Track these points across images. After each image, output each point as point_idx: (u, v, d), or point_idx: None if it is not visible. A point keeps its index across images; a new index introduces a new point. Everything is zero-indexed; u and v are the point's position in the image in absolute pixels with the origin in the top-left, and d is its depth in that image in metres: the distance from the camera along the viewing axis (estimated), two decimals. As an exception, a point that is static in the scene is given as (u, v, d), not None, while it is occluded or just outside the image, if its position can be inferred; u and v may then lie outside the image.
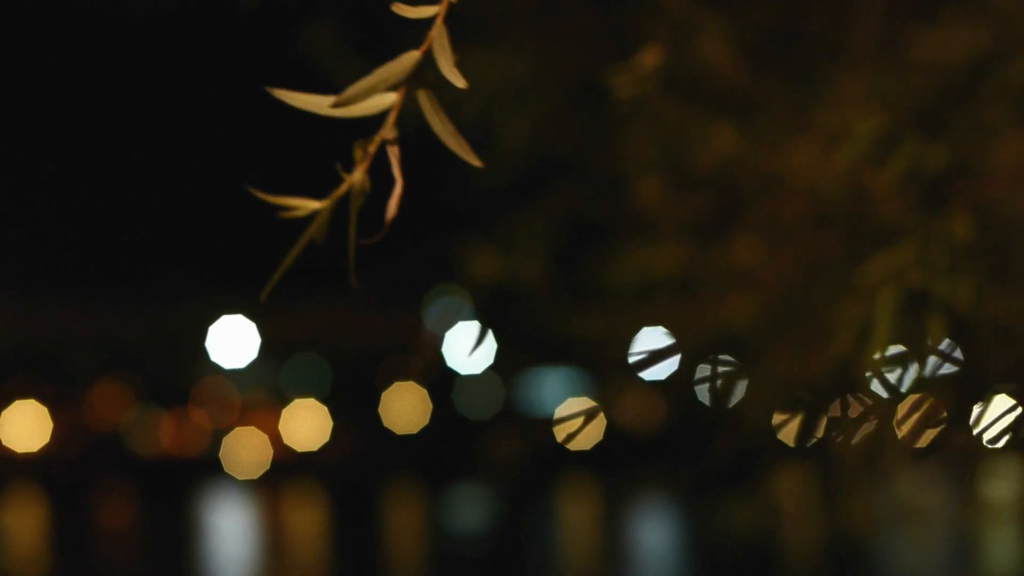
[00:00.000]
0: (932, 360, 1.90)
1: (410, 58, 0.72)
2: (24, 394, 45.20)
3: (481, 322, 1.96)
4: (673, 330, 2.26)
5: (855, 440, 2.07)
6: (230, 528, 31.48)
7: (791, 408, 2.22)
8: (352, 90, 0.72)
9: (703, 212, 2.00)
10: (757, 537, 2.15)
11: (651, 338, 2.16)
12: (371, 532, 30.24)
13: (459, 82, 0.73)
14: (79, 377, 45.63)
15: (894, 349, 1.78)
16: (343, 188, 0.72)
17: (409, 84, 0.74)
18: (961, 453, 2.18)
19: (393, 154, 0.74)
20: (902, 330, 1.66)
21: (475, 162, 0.76)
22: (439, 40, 0.71)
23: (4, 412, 43.58)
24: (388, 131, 0.74)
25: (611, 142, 2.41)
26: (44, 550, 23.58)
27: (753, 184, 1.78)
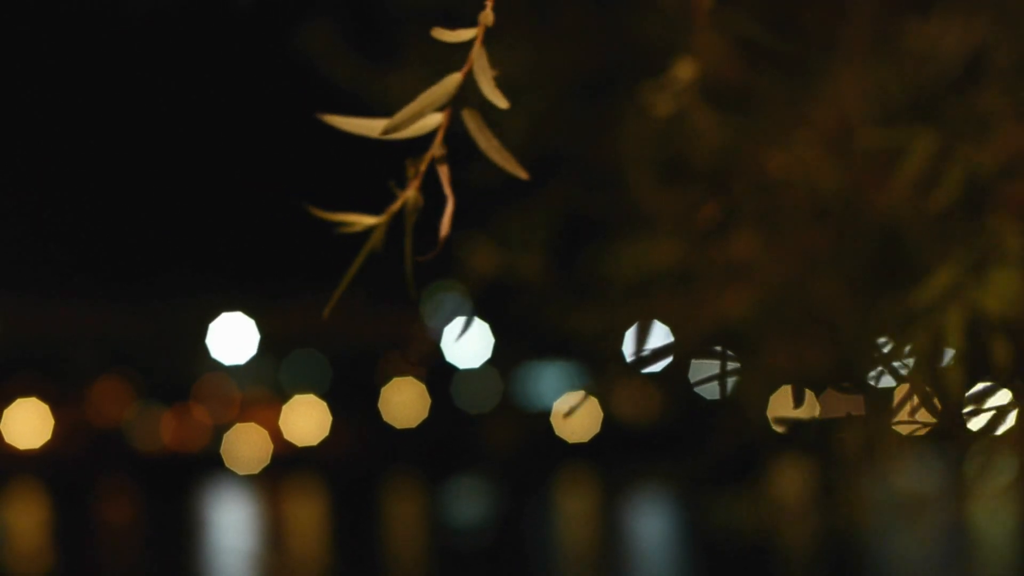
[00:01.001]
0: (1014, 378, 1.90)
1: (453, 80, 0.75)
2: (26, 392, 45.25)
3: (477, 317, 1.96)
4: (671, 324, 2.27)
5: (854, 432, 2.08)
6: (231, 522, 31.52)
7: (793, 400, 2.22)
8: (402, 114, 0.74)
9: (700, 207, 2.00)
10: (756, 529, 2.16)
11: (650, 333, 2.17)
12: (371, 526, 30.28)
13: (501, 103, 0.76)
14: (80, 375, 45.69)
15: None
16: (398, 204, 0.74)
17: (453, 104, 0.76)
18: (960, 445, 2.19)
19: (443, 172, 0.77)
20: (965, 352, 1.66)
21: (522, 175, 0.79)
22: (479, 62, 0.73)
23: (6, 410, 43.63)
24: (437, 149, 0.77)
25: (609, 137, 2.41)
26: (46, 546, 23.60)
27: (750, 178, 1.79)
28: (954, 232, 1.60)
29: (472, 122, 0.74)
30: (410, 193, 0.74)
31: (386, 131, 0.74)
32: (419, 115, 0.74)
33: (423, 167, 0.74)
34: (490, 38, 2.24)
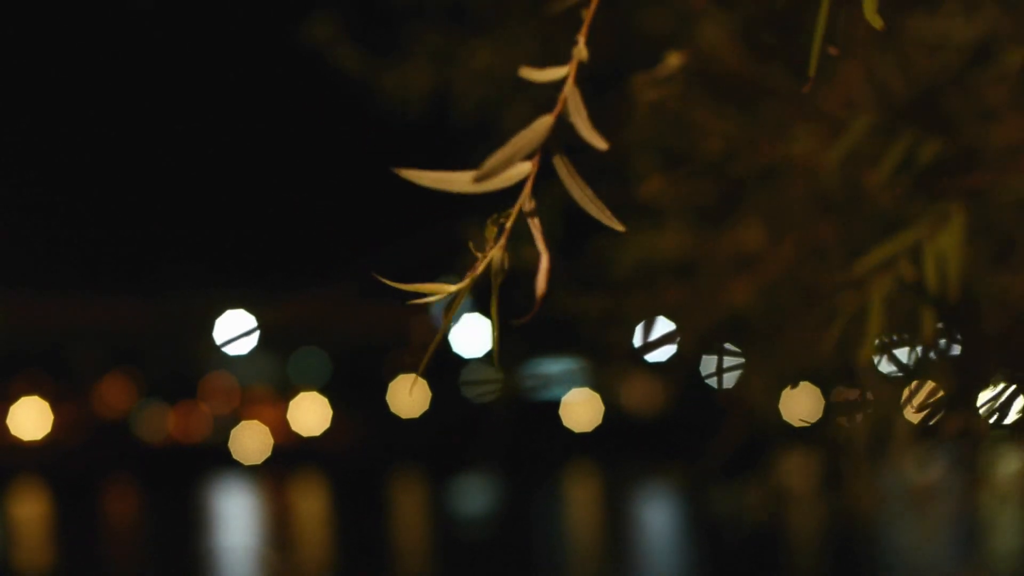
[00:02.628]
0: (937, 344, 1.91)
1: (544, 124, 0.69)
2: (31, 389, 45.40)
3: (480, 311, 1.96)
4: (675, 315, 2.27)
5: (859, 423, 2.08)
6: (237, 513, 31.58)
7: (798, 392, 2.23)
8: (491, 163, 0.68)
9: (706, 198, 2.00)
10: (762, 520, 2.16)
11: (655, 324, 2.17)
12: (377, 516, 30.32)
13: (600, 144, 0.70)
14: (85, 371, 45.85)
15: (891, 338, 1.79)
16: (480, 266, 0.69)
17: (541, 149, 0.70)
18: (964, 435, 2.19)
19: (535, 226, 0.71)
20: (897, 319, 1.67)
21: (618, 227, 0.74)
22: (573, 101, 0.68)
23: (12, 407, 43.79)
24: (527, 202, 0.71)
25: (613, 128, 2.41)
26: (53, 537, 23.68)
27: (755, 170, 1.79)
28: (907, 215, 1.60)
29: (563, 169, 0.70)
30: (495, 253, 0.69)
31: (476, 182, 0.68)
32: (509, 162, 0.68)
33: (510, 223, 0.69)
34: (494, 30, 2.24)
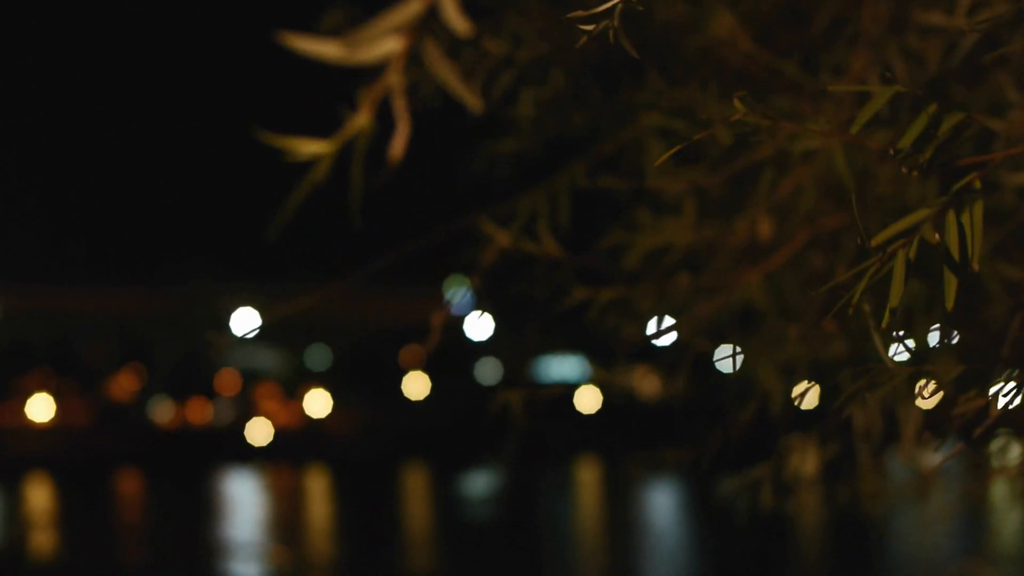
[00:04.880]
0: (956, 319, 1.91)
1: (415, 5, 0.70)
2: (47, 384, 45.60)
3: (488, 302, 1.97)
4: (685, 304, 2.28)
5: (868, 411, 2.09)
6: (248, 494, 31.65)
7: (806, 380, 2.23)
8: (361, 34, 0.70)
9: (715, 187, 2.01)
10: (768, 507, 2.17)
11: (662, 315, 2.17)
12: (389, 501, 30.39)
13: (462, 27, 0.71)
14: (100, 366, 46.04)
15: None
16: (350, 130, 0.70)
17: (414, 33, 0.71)
18: (972, 425, 2.20)
19: (398, 101, 0.72)
20: (915, 292, 1.68)
21: (476, 104, 0.75)
22: None
23: (26, 398, 44.02)
24: (394, 75, 0.72)
25: (622, 119, 2.42)
26: (63, 523, 23.75)
27: (765, 159, 1.79)
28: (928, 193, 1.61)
29: (432, 51, 0.71)
30: (361, 118, 0.70)
31: (346, 50, 0.70)
32: (376, 36, 0.69)
33: (377, 93, 0.70)
34: (500, 21, 2.24)
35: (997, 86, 1.62)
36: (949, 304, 0.84)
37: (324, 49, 0.71)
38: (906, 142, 0.89)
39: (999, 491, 2.29)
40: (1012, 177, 1.66)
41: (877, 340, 1.11)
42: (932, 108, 0.88)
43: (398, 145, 0.72)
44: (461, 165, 2.44)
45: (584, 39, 0.99)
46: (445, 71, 0.73)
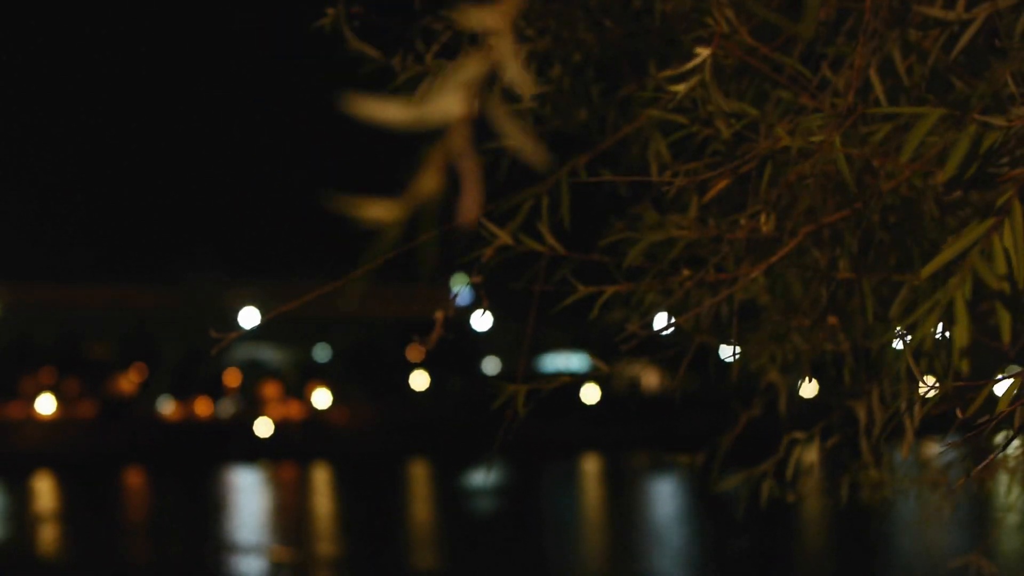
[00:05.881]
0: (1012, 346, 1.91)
1: (477, 62, 0.70)
2: (54, 381, 45.70)
3: (489, 299, 1.97)
4: (686, 302, 2.28)
5: (873, 408, 2.08)
6: (254, 485, 31.67)
7: (808, 378, 2.23)
8: (423, 96, 0.70)
9: (716, 184, 2.00)
10: (771, 502, 2.17)
11: (661, 312, 2.18)
12: (395, 493, 30.36)
13: (527, 88, 0.72)
14: (106, 363, 46.13)
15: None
16: (419, 193, 0.70)
17: (478, 89, 0.71)
18: (977, 422, 2.19)
19: (466, 162, 0.71)
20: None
21: (542, 161, 0.75)
22: (504, 43, 0.69)
23: (35, 397, 44.17)
24: (460, 136, 0.71)
25: (626, 115, 2.42)
26: (69, 520, 23.81)
27: (766, 155, 1.79)
28: (963, 207, 1.61)
29: (500, 112, 0.71)
30: (430, 178, 0.70)
31: (408, 119, 0.70)
32: (441, 99, 0.70)
33: (444, 153, 0.70)
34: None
35: (998, 79, 1.62)
36: (1006, 339, 0.82)
37: (388, 112, 0.70)
38: (952, 166, 0.87)
39: (1001, 484, 2.29)
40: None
41: (961, 370, 1.09)
42: (972, 128, 0.87)
43: (471, 207, 0.72)
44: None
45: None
46: (514, 132, 0.73)
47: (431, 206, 0.71)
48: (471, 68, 0.69)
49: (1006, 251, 0.82)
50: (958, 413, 2.09)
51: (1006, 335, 0.83)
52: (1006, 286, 0.81)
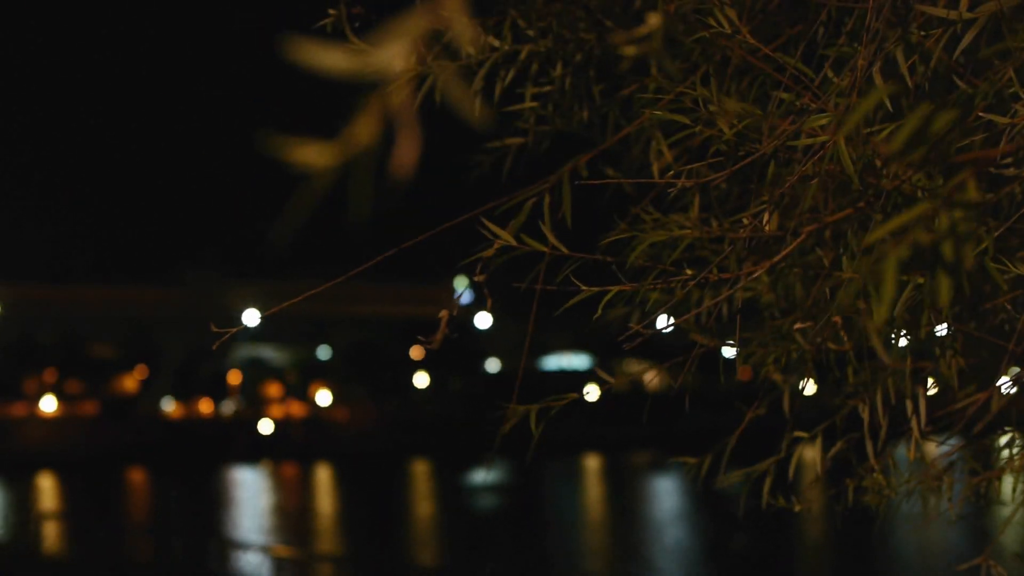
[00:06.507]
0: (951, 318, 1.91)
1: (422, 19, 0.70)
2: (57, 382, 45.75)
3: (491, 300, 1.97)
4: (688, 301, 2.27)
5: (873, 406, 2.08)
6: (256, 480, 31.64)
7: (809, 375, 2.23)
8: (365, 45, 0.70)
9: (717, 181, 2.00)
10: (774, 503, 2.16)
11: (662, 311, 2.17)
12: (399, 488, 30.34)
13: (472, 44, 0.72)
14: (109, 363, 46.19)
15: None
16: (354, 140, 0.70)
17: (422, 49, 0.71)
18: (977, 420, 2.19)
19: (407, 108, 0.71)
20: (910, 290, 1.67)
21: (484, 122, 0.75)
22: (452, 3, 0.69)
23: (38, 398, 44.24)
24: (402, 88, 0.71)
25: (623, 115, 2.41)
26: (71, 518, 23.84)
27: (767, 153, 1.79)
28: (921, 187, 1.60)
29: (443, 70, 0.71)
30: (366, 125, 0.70)
31: (350, 66, 0.69)
32: (384, 49, 0.69)
33: (382, 103, 0.70)
34: (504, 19, 2.23)
35: (1000, 79, 1.61)
36: (942, 302, 0.84)
37: (330, 59, 0.70)
38: (898, 142, 0.89)
39: (1006, 485, 2.29)
40: (1016, 171, 1.66)
41: (876, 341, 1.11)
42: (925, 107, 0.88)
43: (406, 156, 0.71)
44: (465, 161, 2.44)
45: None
46: (455, 89, 0.73)
47: (366, 153, 0.70)
48: (415, 22, 0.69)
49: (953, 223, 0.84)
50: (960, 412, 2.08)
51: (943, 299, 0.85)
52: (948, 253, 0.83)
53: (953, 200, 0.85)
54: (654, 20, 1.11)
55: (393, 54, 0.69)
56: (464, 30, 0.70)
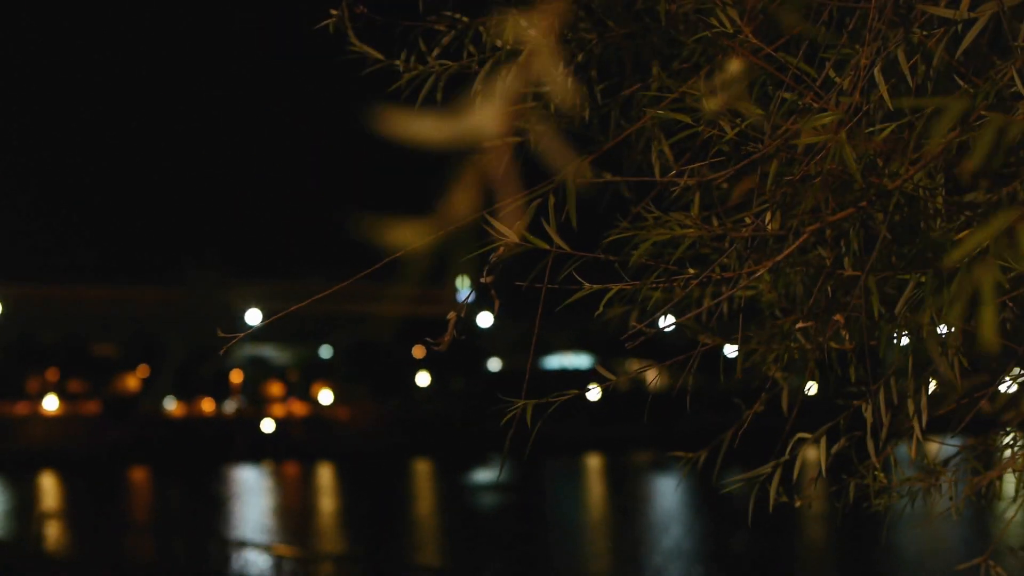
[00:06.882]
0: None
1: (516, 75, 0.67)
2: (59, 381, 45.79)
3: (495, 298, 1.97)
4: (691, 301, 2.27)
5: (878, 406, 2.08)
6: (259, 479, 31.65)
7: (813, 376, 2.23)
8: (458, 112, 0.67)
9: (719, 181, 2.00)
10: (777, 503, 2.17)
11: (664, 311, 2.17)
12: (397, 492, 30.33)
13: (569, 102, 0.70)
14: (113, 364, 46.26)
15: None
16: (454, 210, 0.68)
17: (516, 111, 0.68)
18: (981, 421, 2.19)
19: (508, 178, 0.69)
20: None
21: (584, 176, 0.73)
22: (546, 57, 0.66)
23: (40, 397, 44.29)
24: (499, 158, 0.68)
25: (624, 115, 2.41)
26: (74, 516, 23.86)
27: (771, 154, 1.79)
28: (969, 206, 1.60)
29: (541, 131, 0.70)
30: (463, 198, 0.68)
31: (443, 136, 0.66)
32: (478, 115, 0.66)
33: (478, 171, 0.68)
34: (505, 17, 2.23)
35: (1002, 78, 1.61)
36: (988, 337, 0.81)
37: (422, 128, 0.67)
38: (977, 157, 0.86)
39: (1008, 485, 2.29)
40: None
41: (991, 350, 1.08)
42: (998, 118, 0.86)
43: (511, 227, 0.69)
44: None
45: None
46: (557, 148, 0.71)
47: (464, 228, 0.68)
48: (509, 82, 0.66)
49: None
50: (963, 412, 2.08)
51: (989, 332, 0.83)
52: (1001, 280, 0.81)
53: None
54: (735, 66, 1.10)
55: (488, 118, 0.66)
56: (560, 88, 0.68)
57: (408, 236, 0.68)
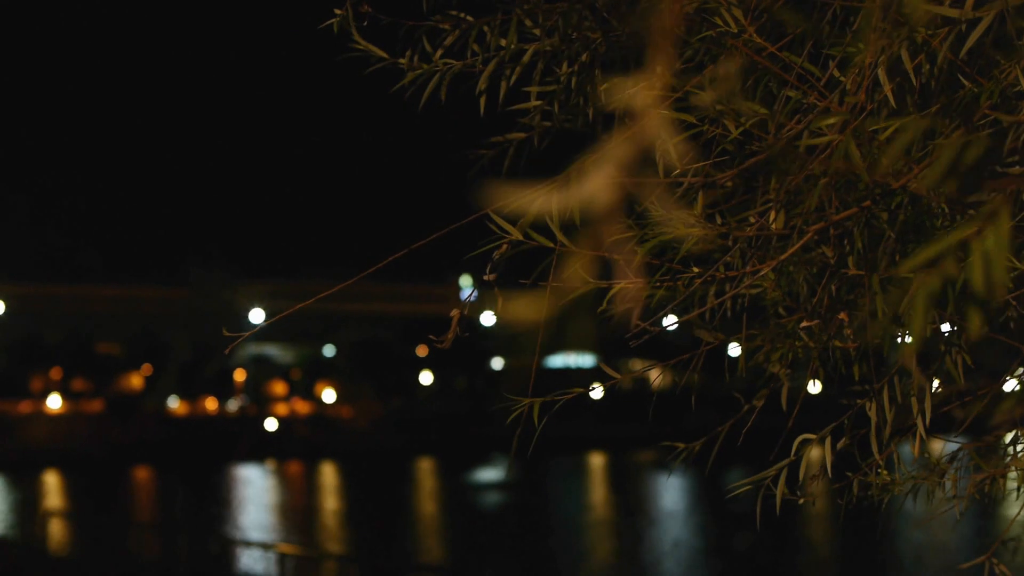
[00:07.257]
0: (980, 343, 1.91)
1: (627, 141, 0.65)
2: (63, 381, 45.87)
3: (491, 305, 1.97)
4: (694, 299, 2.28)
5: (886, 410, 2.08)
6: (261, 477, 31.67)
7: (815, 376, 2.23)
8: (567, 183, 0.66)
9: (724, 181, 2.00)
10: (781, 502, 2.17)
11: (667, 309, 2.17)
12: (402, 484, 30.35)
13: (683, 164, 0.70)
14: (117, 363, 46.35)
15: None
16: (567, 285, 0.67)
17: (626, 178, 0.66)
18: (982, 422, 2.19)
19: (621, 247, 0.68)
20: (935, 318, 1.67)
21: (708, 241, 0.72)
22: (656, 120, 0.64)
23: (44, 397, 44.36)
24: (614, 228, 0.66)
25: (628, 113, 2.41)
26: (77, 514, 23.90)
27: (774, 152, 1.79)
28: (974, 205, 1.60)
29: (654, 190, 0.69)
30: (578, 271, 0.66)
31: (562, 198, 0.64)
32: (589, 183, 0.65)
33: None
34: (508, 16, 2.23)
35: (1007, 77, 1.62)
36: (975, 335, 0.83)
37: (532, 202, 0.66)
38: (933, 176, 0.88)
39: (1011, 483, 2.29)
40: None
41: (915, 372, 1.11)
42: (958, 138, 0.87)
43: (630, 297, 0.69)
44: (470, 159, 2.44)
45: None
46: (676, 214, 0.70)
47: (580, 300, 0.67)
48: (620, 148, 0.64)
49: (986, 254, 0.82)
50: (966, 410, 2.09)
51: (975, 332, 0.84)
52: (978, 287, 0.82)
53: (985, 229, 0.83)
54: (728, 66, 1.10)
55: (598, 186, 0.64)
56: (672, 150, 0.68)
57: (526, 311, 0.67)
